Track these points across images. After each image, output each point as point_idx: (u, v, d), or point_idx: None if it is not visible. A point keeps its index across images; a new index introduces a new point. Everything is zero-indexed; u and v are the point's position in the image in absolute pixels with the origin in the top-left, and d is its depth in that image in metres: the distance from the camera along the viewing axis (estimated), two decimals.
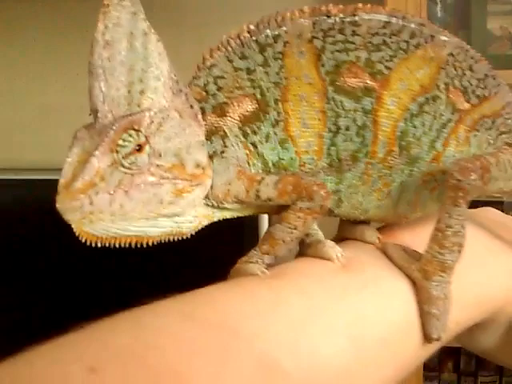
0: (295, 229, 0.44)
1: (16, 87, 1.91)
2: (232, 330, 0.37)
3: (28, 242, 1.76)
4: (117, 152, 0.40)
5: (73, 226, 0.39)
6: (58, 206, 0.39)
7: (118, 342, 0.34)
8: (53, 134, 1.88)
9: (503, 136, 0.49)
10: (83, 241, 0.40)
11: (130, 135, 0.40)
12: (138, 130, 0.40)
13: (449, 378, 1.57)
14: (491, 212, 0.56)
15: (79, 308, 1.77)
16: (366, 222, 0.50)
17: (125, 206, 0.40)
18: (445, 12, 1.55)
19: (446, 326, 0.43)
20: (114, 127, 0.40)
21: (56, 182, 0.40)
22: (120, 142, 0.40)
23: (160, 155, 0.41)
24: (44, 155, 1.86)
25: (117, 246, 0.41)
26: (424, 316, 0.43)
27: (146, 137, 0.41)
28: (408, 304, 0.44)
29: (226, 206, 0.45)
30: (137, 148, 0.40)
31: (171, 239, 0.43)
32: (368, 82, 0.45)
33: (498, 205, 1.55)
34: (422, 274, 0.44)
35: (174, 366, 0.34)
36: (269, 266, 0.44)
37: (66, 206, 0.39)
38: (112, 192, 0.40)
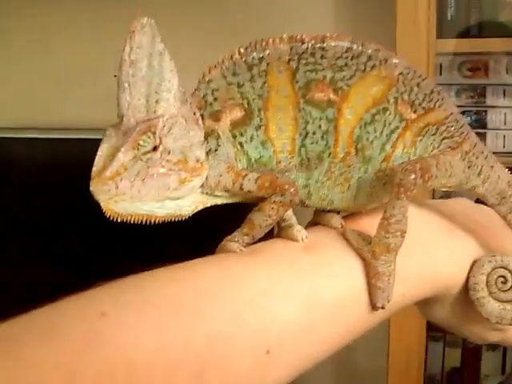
0: (269, 217, 0.54)
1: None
2: (206, 291, 0.47)
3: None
4: (138, 149, 0.50)
5: (101, 205, 0.50)
6: (91, 188, 0.49)
7: (123, 297, 0.45)
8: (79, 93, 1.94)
9: (446, 140, 0.58)
10: (108, 216, 0.51)
11: (149, 137, 0.51)
12: (154, 133, 0.51)
13: (453, 338, 1.61)
14: (460, 202, 0.65)
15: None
16: (334, 211, 0.59)
17: (141, 190, 0.51)
18: (456, 9, 1.55)
19: (389, 297, 0.53)
20: (136, 130, 0.50)
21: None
22: (140, 142, 0.50)
23: (169, 152, 0.52)
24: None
25: (131, 222, 0.52)
26: (371, 288, 0.53)
27: (159, 138, 0.51)
28: (358, 277, 0.53)
29: (217, 193, 0.56)
30: (153, 147, 0.51)
31: (173, 219, 0.54)
32: (331, 96, 0.55)
33: None
34: (371, 254, 0.53)
35: (161, 316, 0.44)
36: (247, 245, 0.55)
37: (98, 189, 0.49)
38: (132, 180, 0.50)
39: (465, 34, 1.56)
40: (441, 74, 1.63)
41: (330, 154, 0.55)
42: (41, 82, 1.98)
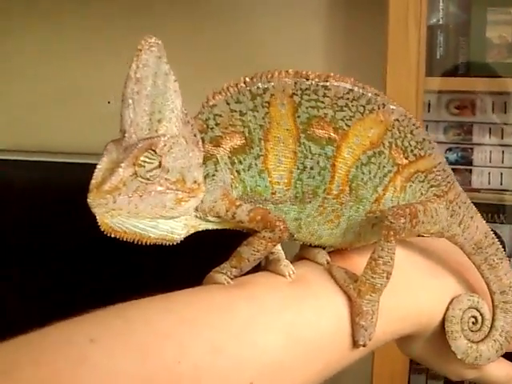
0: (258, 252, 0.55)
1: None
2: (192, 321, 0.49)
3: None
4: (139, 166, 0.51)
5: (97, 218, 0.51)
6: (88, 200, 0.50)
7: (112, 325, 0.46)
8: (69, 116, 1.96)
9: (433, 189, 0.60)
10: (102, 230, 0.51)
11: (149, 154, 0.51)
12: (155, 151, 0.51)
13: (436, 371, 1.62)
14: (440, 240, 0.66)
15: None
16: (320, 247, 0.60)
17: (138, 206, 0.51)
18: (446, 20, 1.60)
19: (371, 335, 0.54)
20: (138, 147, 0.51)
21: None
22: (141, 159, 0.51)
23: (168, 171, 0.52)
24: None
25: (124, 239, 0.53)
26: (354, 326, 0.54)
27: (160, 156, 0.51)
28: (342, 314, 0.54)
29: (209, 218, 0.56)
30: (152, 165, 0.51)
31: (163, 243, 0.54)
32: (331, 134, 0.56)
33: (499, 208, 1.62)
34: (357, 293, 0.54)
35: (147, 345, 0.46)
36: (235, 277, 0.56)
37: (95, 201, 0.50)
38: (130, 195, 0.51)
39: (453, 72, 1.60)
40: (429, 111, 1.66)
41: (324, 189, 0.56)
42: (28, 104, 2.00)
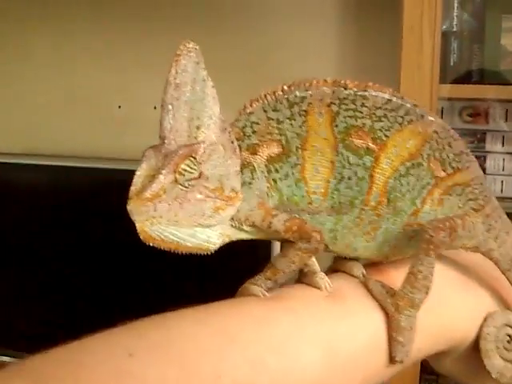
0: (293, 263, 0.54)
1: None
2: (231, 335, 0.48)
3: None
4: (179, 173, 0.50)
5: (137, 225, 0.50)
6: (129, 207, 0.49)
7: (150, 337, 0.46)
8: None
9: (470, 202, 0.59)
10: (141, 238, 0.50)
11: (190, 161, 0.51)
12: (195, 158, 0.51)
13: (446, 382, 1.61)
14: (476, 256, 0.64)
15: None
16: (355, 259, 0.59)
17: (178, 214, 0.50)
18: (460, 27, 1.59)
19: (409, 352, 0.53)
20: (179, 153, 0.50)
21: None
22: (182, 166, 0.50)
23: (207, 178, 0.51)
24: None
25: (160, 248, 0.52)
26: (391, 342, 0.53)
27: (200, 164, 0.51)
28: (379, 330, 0.54)
29: (244, 228, 0.55)
30: (193, 173, 0.51)
31: (197, 253, 0.53)
32: (370, 144, 0.55)
33: None
34: (395, 308, 0.53)
35: (187, 357, 0.45)
36: (269, 290, 0.55)
37: (136, 209, 0.49)
38: (170, 203, 0.50)
39: (466, 79, 1.59)
40: (442, 118, 1.64)
41: (362, 200, 0.55)
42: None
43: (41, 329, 1.79)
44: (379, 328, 0.53)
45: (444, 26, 1.55)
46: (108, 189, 1.71)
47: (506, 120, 1.65)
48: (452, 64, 1.60)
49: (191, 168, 0.51)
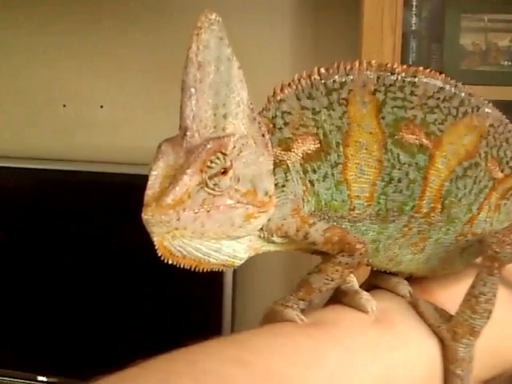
0: (332, 280, 0.46)
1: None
2: (277, 375, 0.41)
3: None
4: (206, 173, 0.41)
5: (154, 239, 0.41)
6: (145, 217, 0.40)
7: (180, 376, 0.38)
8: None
9: None
10: (159, 254, 0.41)
11: (218, 158, 0.42)
12: (225, 154, 0.42)
13: None
14: None
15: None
16: (394, 274, 0.52)
17: (205, 224, 0.42)
18: (419, 25, 1.56)
19: None
20: (206, 148, 0.41)
21: None
22: (208, 164, 0.41)
23: (238, 180, 0.43)
24: None
25: (179, 265, 0.43)
26: (449, 375, 0.47)
27: (231, 161, 0.42)
28: (434, 361, 0.47)
29: (275, 239, 0.47)
30: (222, 171, 0.42)
31: (220, 269, 0.45)
32: (424, 140, 0.48)
33: None
34: (452, 335, 0.46)
35: None
36: (302, 311, 0.47)
37: (155, 219, 0.40)
38: (196, 210, 0.41)
39: None
40: None
41: (413, 206, 0.48)
42: None
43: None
44: (434, 358, 0.47)
45: (403, 26, 1.53)
46: (53, 190, 1.65)
47: None
48: (411, 63, 1.57)
49: (221, 167, 0.42)
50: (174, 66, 1.71)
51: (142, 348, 1.74)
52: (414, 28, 1.57)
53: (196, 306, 1.69)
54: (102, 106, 1.79)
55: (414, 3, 1.55)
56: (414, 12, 1.56)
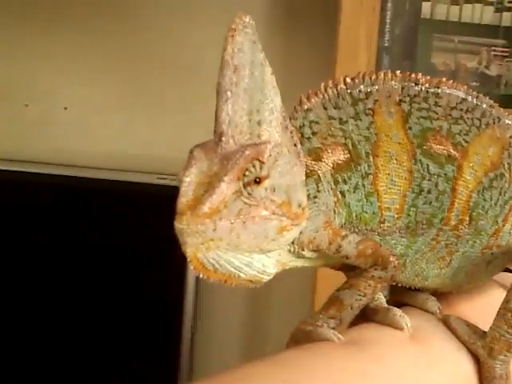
0: (364, 296, 0.45)
1: None
2: None
3: None
4: (241, 180, 0.40)
5: (187, 250, 0.39)
6: (180, 226, 0.38)
7: None
8: None
9: None
10: (192, 267, 0.39)
11: (254, 166, 0.40)
12: (262, 162, 0.40)
13: None
14: None
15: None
16: (421, 289, 0.51)
17: (240, 236, 0.40)
18: (392, 42, 1.58)
19: None
20: (244, 155, 0.40)
21: None
22: (246, 173, 0.40)
23: (274, 190, 0.41)
24: None
25: (208, 278, 0.41)
26: None
27: (267, 170, 0.41)
28: (470, 379, 0.46)
29: (305, 253, 0.46)
30: (256, 180, 0.40)
31: (247, 285, 0.43)
32: (451, 150, 0.48)
33: None
34: (487, 352, 0.46)
35: None
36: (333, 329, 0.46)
37: (190, 228, 0.38)
38: (233, 221, 0.39)
39: None
40: None
41: (442, 219, 0.47)
42: None
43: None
44: (470, 375, 0.46)
45: (378, 41, 1.54)
46: (14, 193, 1.59)
47: None
48: None
49: (256, 175, 0.40)
50: (145, 65, 1.70)
51: (143, 360, 1.71)
52: (386, 44, 1.58)
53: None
54: (65, 108, 1.74)
55: (388, 20, 1.57)
56: (387, 29, 1.58)
